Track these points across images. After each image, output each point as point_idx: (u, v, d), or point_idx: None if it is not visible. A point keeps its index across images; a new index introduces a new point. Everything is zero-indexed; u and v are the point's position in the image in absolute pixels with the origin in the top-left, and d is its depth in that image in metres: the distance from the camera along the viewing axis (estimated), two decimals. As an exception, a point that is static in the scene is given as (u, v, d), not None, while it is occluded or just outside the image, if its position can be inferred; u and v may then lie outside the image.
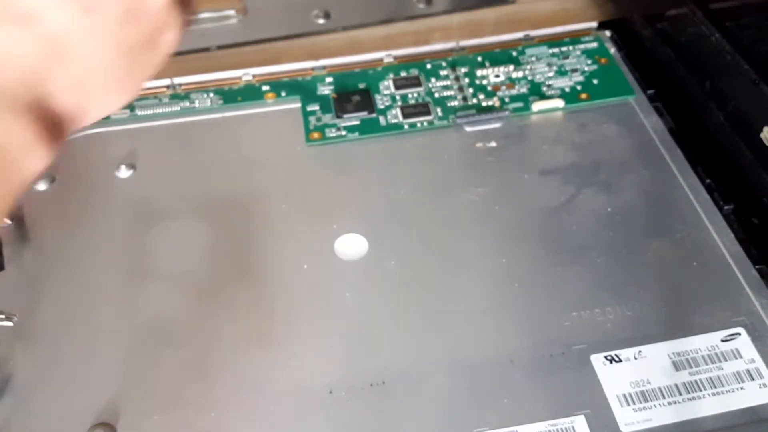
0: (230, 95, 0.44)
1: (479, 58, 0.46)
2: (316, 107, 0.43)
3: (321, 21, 0.50)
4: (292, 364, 0.32)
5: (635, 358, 0.31)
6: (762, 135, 0.37)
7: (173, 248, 0.36)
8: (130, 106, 0.43)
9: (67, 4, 0.21)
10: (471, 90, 0.44)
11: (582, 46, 0.46)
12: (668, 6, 0.46)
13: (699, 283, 0.34)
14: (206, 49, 0.48)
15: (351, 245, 0.36)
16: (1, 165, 0.20)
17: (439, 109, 0.43)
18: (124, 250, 0.36)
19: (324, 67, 0.46)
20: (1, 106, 0.20)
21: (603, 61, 0.45)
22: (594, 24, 0.48)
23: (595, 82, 0.44)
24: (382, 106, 0.43)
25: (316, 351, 0.32)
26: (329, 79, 0.45)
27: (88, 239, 0.37)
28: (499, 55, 0.46)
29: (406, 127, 0.42)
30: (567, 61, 0.45)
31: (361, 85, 0.45)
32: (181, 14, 0.24)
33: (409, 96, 0.44)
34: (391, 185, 0.39)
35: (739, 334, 0.32)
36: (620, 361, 0.31)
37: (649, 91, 0.43)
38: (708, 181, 0.38)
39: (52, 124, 0.22)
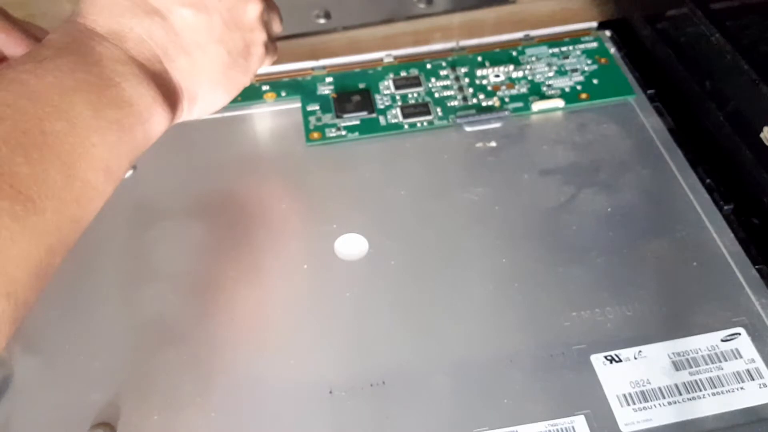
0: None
1: (479, 58, 0.46)
2: (316, 107, 0.43)
3: (321, 21, 0.50)
4: (292, 364, 0.32)
5: (635, 358, 0.31)
6: (762, 135, 0.37)
7: (173, 248, 0.36)
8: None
9: (187, 5, 0.28)
10: (471, 90, 0.44)
11: (582, 46, 0.46)
12: (668, 6, 0.46)
13: (699, 283, 0.34)
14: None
15: (351, 245, 0.36)
16: (131, 118, 0.26)
17: (439, 109, 0.43)
18: (124, 250, 0.36)
19: (324, 67, 0.46)
20: (135, 70, 0.26)
21: (603, 61, 0.45)
22: (594, 24, 0.48)
23: (595, 82, 0.44)
24: (382, 106, 0.43)
25: (316, 351, 0.32)
26: (329, 79, 0.45)
27: (88, 239, 0.36)
28: (499, 55, 0.46)
29: (406, 127, 0.42)
30: (567, 61, 0.45)
31: (361, 85, 0.45)
32: (265, 32, 0.32)
33: (409, 96, 0.44)
34: (391, 185, 0.39)
35: (739, 334, 0.32)
36: (620, 361, 0.31)
37: (649, 91, 0.43)
38: (708, 181, 0.38)
39: (169, 95, 0.28)
